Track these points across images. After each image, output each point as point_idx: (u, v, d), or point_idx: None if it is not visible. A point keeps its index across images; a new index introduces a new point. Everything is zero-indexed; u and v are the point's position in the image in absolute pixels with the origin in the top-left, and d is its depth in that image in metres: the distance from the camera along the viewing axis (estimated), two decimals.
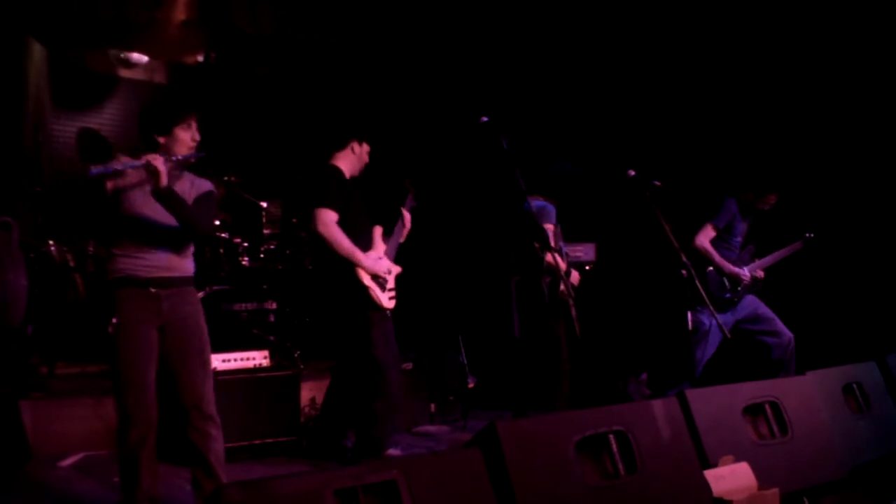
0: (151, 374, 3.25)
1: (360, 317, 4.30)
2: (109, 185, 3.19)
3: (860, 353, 4.42)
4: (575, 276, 5.09)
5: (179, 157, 3.29)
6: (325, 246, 4.24)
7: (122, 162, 3.14)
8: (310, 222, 4.27)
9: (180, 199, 3.22)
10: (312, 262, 4.55)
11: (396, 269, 4.55)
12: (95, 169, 3.09)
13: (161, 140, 3.27)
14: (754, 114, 6.13)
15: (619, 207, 6.17)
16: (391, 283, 4.46)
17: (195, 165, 3.49)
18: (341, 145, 4.47)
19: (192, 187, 3.36)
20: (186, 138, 3.30)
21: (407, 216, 4.65)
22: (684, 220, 5.09)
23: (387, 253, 4.52)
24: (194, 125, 3.33)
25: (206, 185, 3.43)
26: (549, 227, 4.92)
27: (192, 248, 3.42)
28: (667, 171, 4.68)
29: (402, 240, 4.63)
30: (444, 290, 6.97)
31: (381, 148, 4.67)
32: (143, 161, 3.12)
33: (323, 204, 4.21)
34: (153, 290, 3.22)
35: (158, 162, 3.11)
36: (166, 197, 3.15)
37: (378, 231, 4.56)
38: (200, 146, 3.37)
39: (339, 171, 4.41)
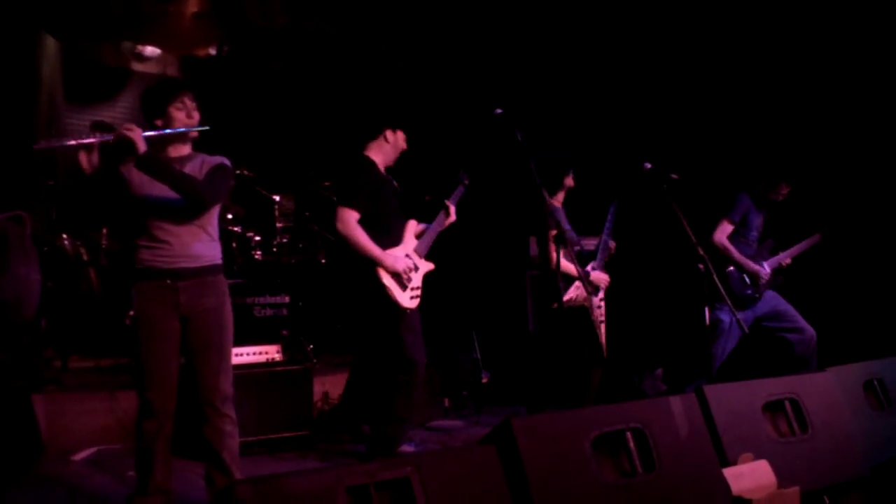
0: (172, 364, 3.21)
1: (389, 317, 4.19)
2: (84, 162, 3.07)
3: (880, 348, 4.35)
4: (600, 277, 4.92)
5: (171, 130, 3.20)
6: (346, 245, 4.16)
7: (95, 136, 3.04)
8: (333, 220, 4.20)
9: (167, 165, 3.12)
10: (335, 260, 4.51)
11: (426, 267, 4.39)
12: (42, 143, 3.04)
13: (159, 123, 3.23)
14: (764, 105, 6.06)
15: (636, 200, 6.09)
16: (416, 282, 4.29)
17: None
18: (374, 134, 4.37)
19: (202, 165, 3.29)
20: (181, 117, 3.24)
21: (452, 209, 4.51)
22: (701, 214, 5.03)
23: (418, 249, 4.37)
24: (188, 103, 3.26)
25: (216, 160, 3.33)
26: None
27: (216, 233, 3.34)
28: (680, 165, 4.62)
29: (440, 230, 4.49)
30: (457, 284, 6.93)
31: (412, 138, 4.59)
32: (114, 133, 3.03)
33: (345, 202, 4.14)
34: (169, 281, 3.18)
35: (133, 133, 3.01)
36: (148, 163, 3.05)
37: (411, 226, 4.42)
38: (204, 124, 3.30)
39: (370, 164, 4.32)
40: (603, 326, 4.89)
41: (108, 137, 3.05)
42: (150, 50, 7.63)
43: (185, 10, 6.73)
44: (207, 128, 3.29)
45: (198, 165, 3.28)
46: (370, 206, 4.18)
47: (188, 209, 3.20)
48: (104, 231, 6.06)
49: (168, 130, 3.21)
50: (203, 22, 6.97)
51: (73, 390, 4.85)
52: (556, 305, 4.61)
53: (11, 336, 4.56)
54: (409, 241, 4.35)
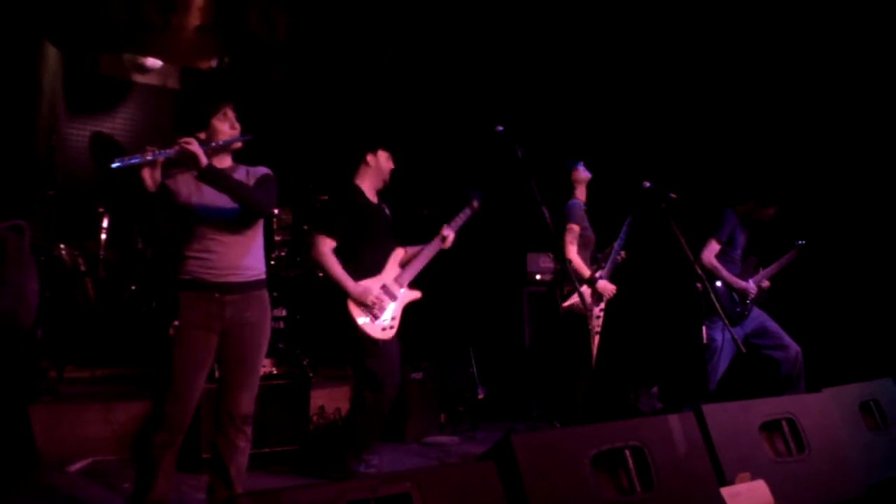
0: (201, 381, 3.21)
1: (359, 345, 4.18)
2: (148, 179, 3.08)
3: (876, 369, 4.36)
4: (606, 287, 4.85)
5: (220, 143, 3.24)
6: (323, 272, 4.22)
7: (151, 152, 3.06)
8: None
9: (228, 177, 3.16)
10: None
11: (409, 296, 4.33)
12: (117, 161, 3.01)
13: (202, 136, 3.26)
14: (752, 125, 6.11)
15: (634, 218, 6.13)
16: (393, 313, 4.23)
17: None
18: (357, 161, 4.43)
19: (248, 176, 3.32)
20: (225, 128, 3.28)
21: (450, 236, 4.44)
22: (697, 233, 5.06)
23: (399, 279, 4.30)
24: (231, 114, 3.31)
25: (261, 170, 3.38)
26: (572, 227, 4.89)
27: (260, 245, 3.35)
28: (672, 184, 4.66)
29: (432, 256, 4.41)
30: (455, 300, 6.94)
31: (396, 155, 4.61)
32: (175, 148, 3.05)
33: (321, 230, 4.19)
34: (217, 295, 3.19)
35: (192, 145, 3.05)
36: (211, 176, 3.09)
37: (396, 254, 4.36)
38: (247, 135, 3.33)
39: (354, 191, 4.35)
40: (597, 338, 4.88)
41: (170, 152, 3.06)
42: (152, 61, 7.66)
43: (187, 22, 6.76)
44: (250, 137, 3.32)
45: (243, 175, 3.32)
46: (347, 234, 4.19)
47: (243, 218, 3.23)
48: (102, 241, 6.06)
49: (220, 142, 3.24)
50: (205, 34, 7.00)
51: (69, 401, 4.82)
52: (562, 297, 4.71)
53: (8, 346, 4.54)
54: (391, 271, 4.30)
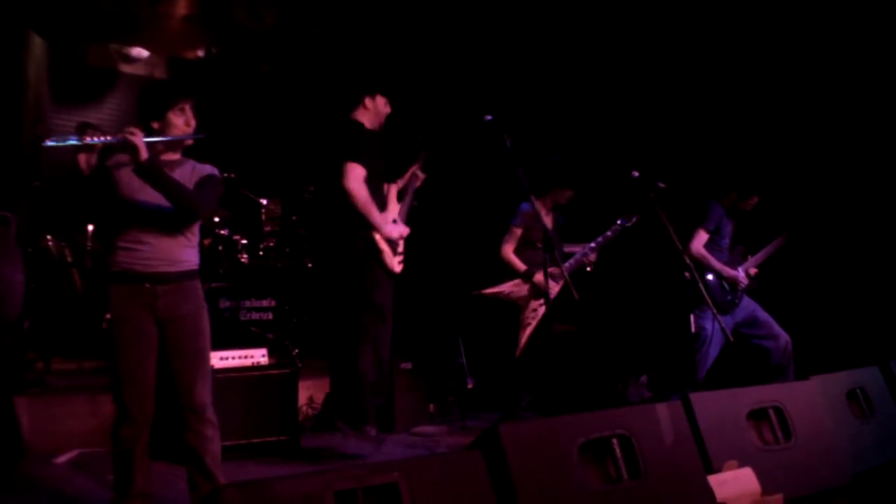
0: (149, 368, 3.17)
1: (369, 273, 4.27)
2: (82, 162, 3.05)
3: (863, 357, 4.39)
4: (540, 282, 4.89)
5: (169, 137, 3.17)
6: (346, 201, 4.19)
7: (90, 136, 3.01)
8: (338, 176, 4.20)
9: (165, 175, 3.09)
10: (325, 215, 4.40)
11: (406, 231, 4.51)
12: (49, 140, 2.98)
13: (156, 126, 3.20)
14: (736, 115, 6.11)
15: (622, 208, 6.14)
16: (401, 248, 4.44)
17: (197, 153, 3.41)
18: (355, 103, 4.47)
19: (192, 172, 3.26)
20: (180, 123, 3.21)
21: (419, 174, 4.63)
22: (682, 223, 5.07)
23: (399, 214, 4.50)
24: (188, 110, 3.23)
25: (207, 169, 3.31)
26: (515, 230, 5.14)
27: (196, 239, 3.30)
28: (661, 174, 4.67)
29: (413, 201, 4.65)
30: (444, 290, 6.94)
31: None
32: (119, 136, 2.99)
33: (354, 158, 4.18)
34: (148, 285, 3.14)
35: (136, 137, 2.99)
36: (148, 171, 3.02)
37: (393, 190, 4.51)
38: (200, 132, 3.28)
39: (362, 126, 4.40)
40: (529, 329, 5.00)
41: (113, 140, 3.02)
42: (137, 51, 7.61)
43: (174, 11, 6.72)
44: (203, 136, 3.27)
45: (188, 171, 3.26)
46: (368, 166, 4.24)
47: (178, 218, 3.17)
48: (89, 232, 6.02)
49: (168, 137, 3.18)
50: (192, 24, 6.96)
51: (56, 392, 4.81)
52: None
53: None
54: (393, 206, 4.47)
